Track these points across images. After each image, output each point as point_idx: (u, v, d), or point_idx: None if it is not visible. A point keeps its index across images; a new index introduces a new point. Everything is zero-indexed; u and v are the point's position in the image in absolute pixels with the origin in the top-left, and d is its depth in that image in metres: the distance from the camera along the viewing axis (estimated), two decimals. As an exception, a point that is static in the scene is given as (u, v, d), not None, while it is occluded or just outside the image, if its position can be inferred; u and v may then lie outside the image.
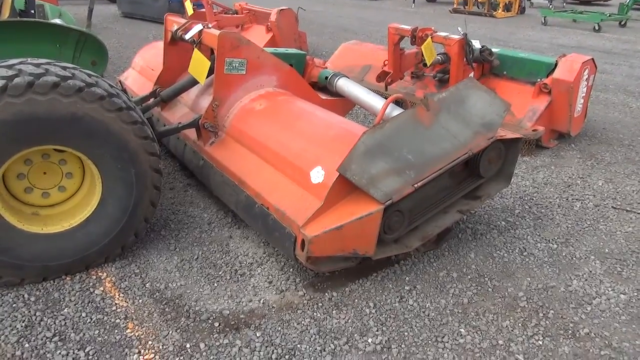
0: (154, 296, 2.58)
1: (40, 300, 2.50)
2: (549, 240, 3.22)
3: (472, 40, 4.91)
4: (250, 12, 8.30)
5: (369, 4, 18.48)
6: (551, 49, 9.96)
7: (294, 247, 2.50)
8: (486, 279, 2.81)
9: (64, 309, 2.45)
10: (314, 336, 2.35)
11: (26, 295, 2.52)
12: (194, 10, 8.64)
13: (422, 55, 5.12)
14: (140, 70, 4.82)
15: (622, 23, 13.60)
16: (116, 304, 2.51)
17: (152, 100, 3.93)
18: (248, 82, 3.46)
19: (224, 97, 3.39)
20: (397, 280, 2.76)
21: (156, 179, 2.74)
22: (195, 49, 3.50)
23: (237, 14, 8.41)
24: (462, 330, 2.42)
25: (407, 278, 2.78)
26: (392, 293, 2.66)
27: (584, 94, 4.72)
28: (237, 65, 3.37)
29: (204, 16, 8.19)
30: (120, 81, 4.82)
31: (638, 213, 3.62)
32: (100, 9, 13.86)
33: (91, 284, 2.64)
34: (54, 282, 2.62)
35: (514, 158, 3.15)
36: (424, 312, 2.53)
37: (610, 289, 2.76)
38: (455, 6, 16.47)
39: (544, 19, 13.80)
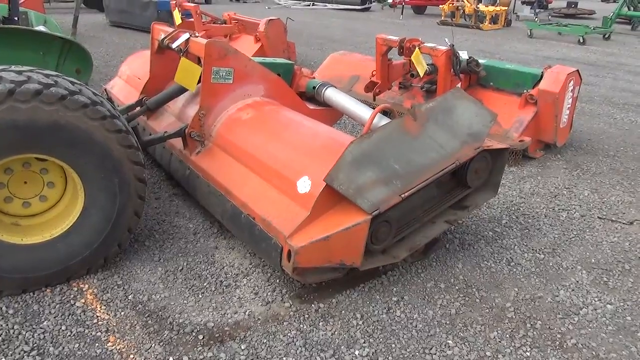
0: (137, 308, 2.52)
1: (19, 313, 2.43)
2: (536, 251, 3.23)
3: (459, 51, 4.94)
4: (239, 22, 8.30)
5: (358, 16, 18.62)
6: (537, 60, 10.08)
7: (280, 258, 2.47)
8: (474, 289, 2.80)
9: (43, 322, 2.39)
10: (300, 348, 2.31)
11: (4, 308, 2.45)
12: (182, 20, 8.64)
13: (410, 65, 5.15)
14: (126, 79, 4.78)
15: (606, 36, 13.82)
16: (97, 316, 2.45)
17: (137, 109, 3.89)
18: (235, 92, 3.44)
19: (210, 106, 3.37)
20: (384, 291, 2.74)
21: (140, 188, 2.70)
22: (183, 57, 3.48)
23: (225, 23, 8.41)
24: (449, 341, 2.40)
25: (394, 289, 2.76)
26: (379, 304, 2.63)
27: (569, 105, 4.76)
28: (224, 74, 3.35)
29: (192, 26, 8.17)
30: (105, 90, 4.78)
31: (623, 223, 3.64)
32: (88, 18, 13.81)
33: (72, 296, 2.57)
34: (34, 294, 2.56)
35: (501, 168, 3.16)
36: (411, 324, 2.50)
37: (597, 299, 2.76)
38: (442, 18, 16.63)
39: (530, 32, 13.99)
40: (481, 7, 15.87)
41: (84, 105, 2.41)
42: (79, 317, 2.43)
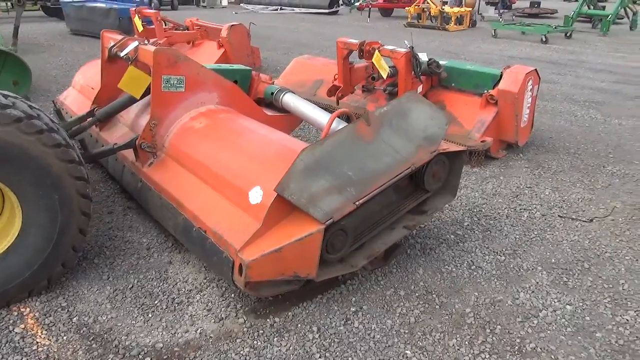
0: (81, 331, 2.39)
1: (-49, 344, 2.27)
2: (497, 253, 3.21)
3: (419, 53, 4.93)
4: (201, 28, 8.16)
5: (326, 19, 18.62)
6: (501, 60, 10.21)
7: (232, 272, 2.37)
8: (434, 295, 2.75)
9: (-23, 352, 2.23)
10: (253, 367, 2.22)
11: None
12: (143, 27, 8.44)
13: (372, 68, 5.11)
14: (80, 89, 4.63)
15: (568, 35, 14.15)
16: (37, 342, 2.30)
17: (89, 120, 3.74)
18: (188, 100, 3.34)
19: (162, 116, 3.25)
20: (343, 301, 2.67)
21: (84, 204, 2.56)
22: (131, 65, 3.36)
23: (188, 30, 8.25)
24: (407, 352, 2.34)
25: (353, 299, 2.69)
26: (337, 315, 2.55)
27: (529, 104, 4.80)
28: (175, 82, 3.24)
29: (154, 33, 8.00)
30: (55, 102, 4.60)
31: (583, 221, 3.66)
32: (49, 27, 13.43)
33: (11, 321, 2.42)
34: (-31, 321, 2.40)
35: (458, 171, 3.13)
36: (369, 335, 2.43)
37: (556, 301, 2.74)
38: (409, 20, 16.77)
39: (494, 32, 14.21)
40: (446, 8, 16.07)
41: (17, 119, 2.28)
42: (17, 344, 2.28)
